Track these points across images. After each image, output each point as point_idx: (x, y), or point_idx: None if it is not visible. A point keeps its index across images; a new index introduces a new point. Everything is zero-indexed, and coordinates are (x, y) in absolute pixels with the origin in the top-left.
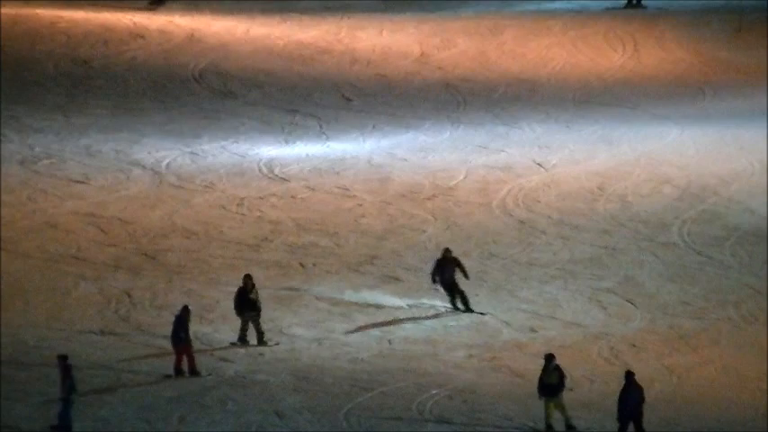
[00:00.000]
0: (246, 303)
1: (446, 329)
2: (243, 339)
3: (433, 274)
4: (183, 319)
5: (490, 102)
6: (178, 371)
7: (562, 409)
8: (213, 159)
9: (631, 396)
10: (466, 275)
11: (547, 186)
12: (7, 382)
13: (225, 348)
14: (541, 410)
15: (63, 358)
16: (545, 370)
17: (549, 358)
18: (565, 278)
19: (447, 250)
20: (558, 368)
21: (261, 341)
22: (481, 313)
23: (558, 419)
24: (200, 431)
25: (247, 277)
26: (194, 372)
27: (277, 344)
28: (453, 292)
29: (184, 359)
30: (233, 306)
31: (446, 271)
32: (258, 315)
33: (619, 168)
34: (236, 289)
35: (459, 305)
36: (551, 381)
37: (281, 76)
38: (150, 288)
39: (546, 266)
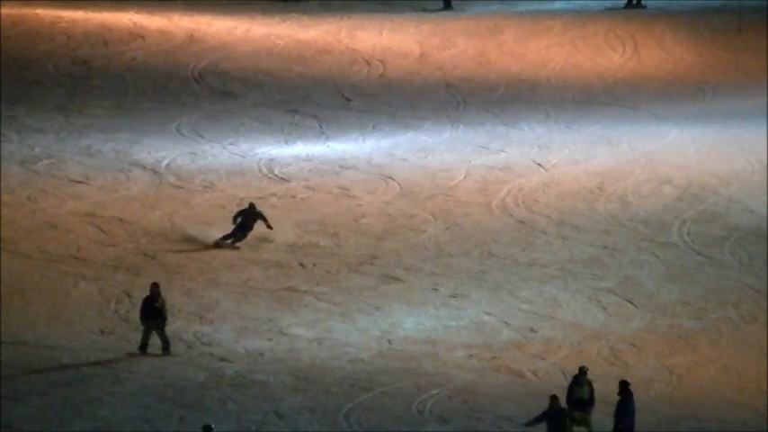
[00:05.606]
0: (151, 312)
1: (446, 329)
2: (144, 347)
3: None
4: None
5: (490, 102)
6: None
7: (588, 424)
8: (213, 159)
9: (630, 407)
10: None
11: (547, 186)
12: (7, 382)
13: (225, 348)
14: (540, 409)
15: None
16: (576, 383)
17: (583, 372)
18: (565, 278)
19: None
20: (589, 383)
21: (165, 350)
22: None
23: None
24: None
25: (154, 285)
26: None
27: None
28: None
29: None
30: (138, 314)
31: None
32: (163, 324)
33: (619, 168)
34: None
35: None
36: (582, 395)
37: (281, 76)
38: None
39: (546, 266)
